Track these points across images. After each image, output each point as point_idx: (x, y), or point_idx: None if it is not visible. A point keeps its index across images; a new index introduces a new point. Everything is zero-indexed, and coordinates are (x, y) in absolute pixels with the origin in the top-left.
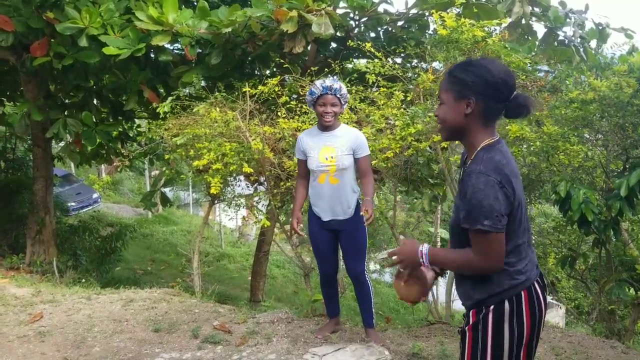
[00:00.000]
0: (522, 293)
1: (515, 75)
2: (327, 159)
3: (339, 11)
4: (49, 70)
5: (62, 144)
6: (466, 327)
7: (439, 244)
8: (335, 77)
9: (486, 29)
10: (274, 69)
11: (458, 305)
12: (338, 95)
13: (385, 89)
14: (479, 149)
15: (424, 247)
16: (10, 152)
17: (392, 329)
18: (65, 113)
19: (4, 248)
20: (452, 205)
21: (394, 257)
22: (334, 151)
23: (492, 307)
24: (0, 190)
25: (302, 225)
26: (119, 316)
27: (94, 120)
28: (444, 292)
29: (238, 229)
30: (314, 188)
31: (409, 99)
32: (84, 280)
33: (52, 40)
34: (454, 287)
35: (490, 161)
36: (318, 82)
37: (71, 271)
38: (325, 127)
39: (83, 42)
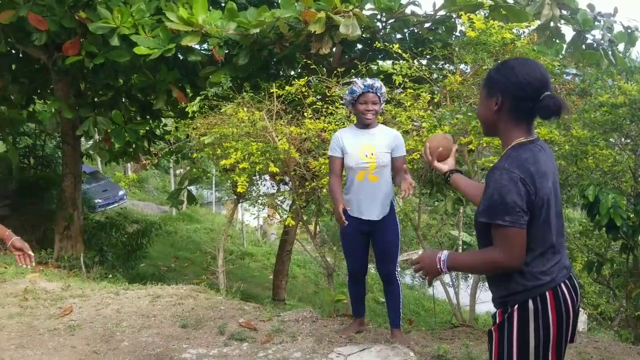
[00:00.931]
0: (547, 293)
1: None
2: (367, 155)
3: (366, 12)
4: (80, 69)
5: (90, 141)
6: (492, 328)
7: (460, 247)
8: (365, 77)
9: (515, 31)
10: (299, 70)
11: (481, 309)
12: (379, 94)
13: (412, 91)
14: (509, 147)
15: (443, 254)
16: (40, 149)
17: (415, 330)
18: (95, 111)
19: (33, 243)
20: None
21: (414, 265)
22: (373, 148)
23: (516, 306)
24: (30, 187)
25: (349, 208)
26: (146, 311)
27: (123, 118)
28: (467, 296)
29: (260, 228)
30: (351, 186)
31: (436, 100)
32: (110, 276)
33: (83, 39)
34: (477, 290)
35: (516, 159)
36: (359, 81)
37: (98, 267)
38: (365, 125)
39: (115, 41)
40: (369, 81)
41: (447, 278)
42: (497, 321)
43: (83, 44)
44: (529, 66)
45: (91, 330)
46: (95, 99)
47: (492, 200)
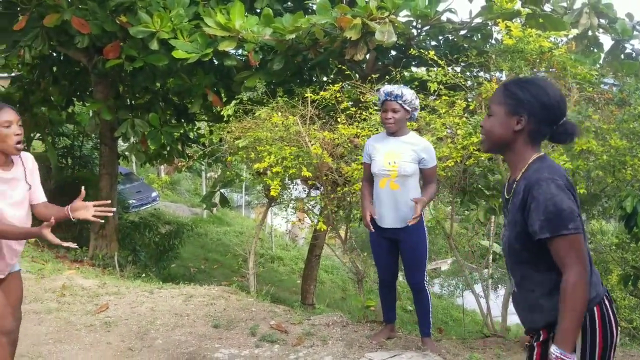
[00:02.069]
0: (595, 309)
1: (582, 88)
2: (390, 163)
3: (401, 19)
4: (119, 72)
5: (127, 143)
6: (535, 343)
7: (490, 257)
8: (400, 84)
9: (552, 39)
10: (332, 76)
11: (513, 320)
12: (400, 102)
13: (447, 98)
14: (530, 161)
15: (556, 351)
16: (78, 150)
17: (446, 339)
18: (132, 114)
19: (69, 241)
20: (506, 223)
21: None
22: (398, 157)
23: (595, 307)
24: (67, 186)
25: (376, 216)
26: (179, 311)
27: (159, 121)
28: (497, 306)
29: (289, 232)
30: (375, 192)
31: (471, 107)
32: (144, 275)
33: (123, 43)
34: (509, 300)
35: (552, 168)
36: (382, 89)
37: (131, 266)
38: (393, 133)
39: (154, 45)
40: (389, 88)
41: (478, 288)
42: (542, 338)
43: (123, 48)
44: (556, 88)
45: (126, 327)
46: (133, 102)
47: (549, 213)
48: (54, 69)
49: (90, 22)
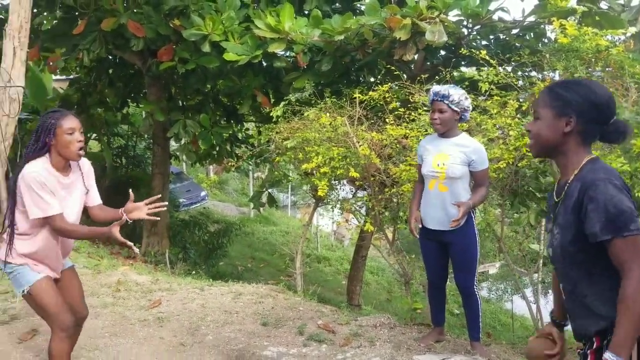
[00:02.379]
0: None
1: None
2: (439, 165)
3: (451, 18)
4: (171, 74)
5: (179, 143)
6: (588, 350)
7: (541, 261)
8: (450, 84)
9: (609, 37)
10: (380, 76)
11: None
12: (447, 102)
13: (498, 98)
14: (583, 162)
15: (608, 356)
16: (131, 150)
17: (495, 344)
18: (184, 115)
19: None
20: (556, 227)
21: None
22: (447, 158)
23: None
24: (121, 185)
25: (419, 224)
26: (229, 308)
27: (209, 122)
28: (548, 311)
29: (334, 232)
30: (424, 193)
31: (523, 108)
32: (194, 272)
33: (176, 46)
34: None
35: (606, 169)
36: (431, 89)
37: (181, 263)
38: (442, 134)
39: (206, 47)
40: (437, 89)
41: (528, 292)
42: (595, 345)
43: (176, 51)
44: (604, 88)
45: (178, 323)
46: (184, 103)
47: (609, 214)
48: (110, 71)
49: (145, 25)
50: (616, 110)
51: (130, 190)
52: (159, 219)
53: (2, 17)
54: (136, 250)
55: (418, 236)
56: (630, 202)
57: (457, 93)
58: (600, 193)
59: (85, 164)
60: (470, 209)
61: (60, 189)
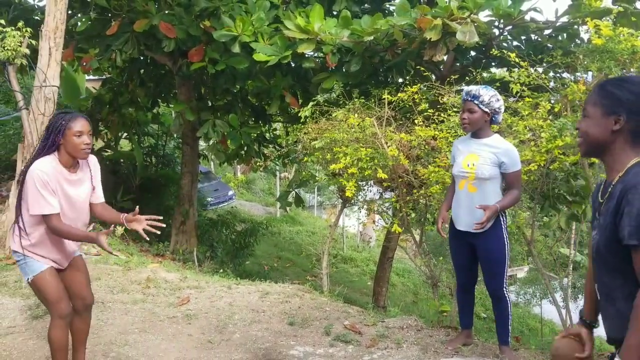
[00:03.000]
0: None
1: None
2: (468, 165)
3: (483, 19)
4: (201, 75)
5: (208, 143)
6: (617, 355)
7: (571, 265)
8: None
9: None
10: (409, 77)
11: (596, 331)
12: (476, 102)
13: (530, 99)
14: (629, 165)
15: None
16: (161, 149)
17: (524, 349)
18: (213, 115)
19: (152, 236)
20: (595, 227)
21: None
22: (477, 159)
23: None
24: (151, 183)
25: (446, 225)
26: (256, 307)
27: (238, 122)
28: (578, 317)
29: (360, 233)
30: (455, 194)
31: (556, 110)
32: (221, 271)
33: (206, 47)
34: None
35: None
36: (464, 89)
37: (209, 261)
38: (473, 134)
39: (236, 48)
40: (468, 88)
41: (558, 297)
42: None
43: (206, 51)
44: None
45: (206, 321)
46: (214, 103)
47: None
48: (141, 71)
49: (176, 26)
50: None
51: (138, 207)
52: (147, 239)
53: (38, 18)
54: (117, 254)
55: (446, 236)
56: None
57: (487, 94)
58: (637, 197)
59: (93, 161)
60: (496, 213)
61: (67, 185)
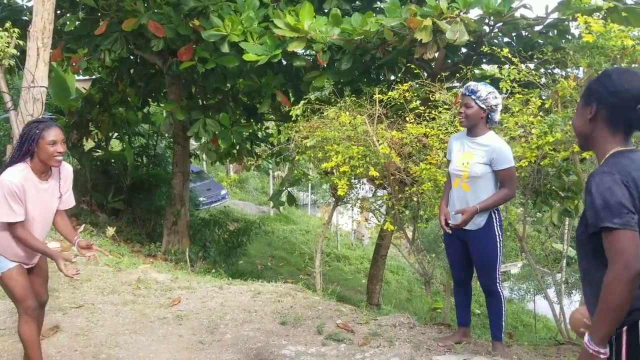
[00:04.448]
0: (623, 333)
1: None
2: (463, 164)
3: (472, 16)
4: (191, 74)
5: (199, 142)
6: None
7: (564, 261)
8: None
9: (635, 33)
10: (400, 75)
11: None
12: (474, 97)
13: (520, 96)
14: (607, 156)
15: (585, 338)
16: (152, 149)
17: (517, 345)
18: (204, 114)
19: (143, 236)
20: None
21: None
22: (472, 158)
23: (625, 328)
24: (142, 183)
25: (449, 220)
26: (248, 306)
27: (229, 121)
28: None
29: (354, 231)
30: (450, 192)
31: (546, 106)
32: (214, 271)
33: (196, 46)
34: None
35: (616, 164)
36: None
37: (201, 261)
38: (470, 132)
39: (225, 48)
40: (468, 84)
41: (551, 293)
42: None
43: (196, 50)
44: (629, 75)
45: (197, 321)
46: (205, 102)
47: (597, 205)
48: (131, 71)
49: (165, 26)
50: None
51: (84, 225)
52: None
53: (27, 19)
54: (76, 277)
55: (449, 230)
56: (627, 197)
57: (485, 90)
58: (594, 185)
59: (66, 169)
60: (473, 214)
61: (36, 192)
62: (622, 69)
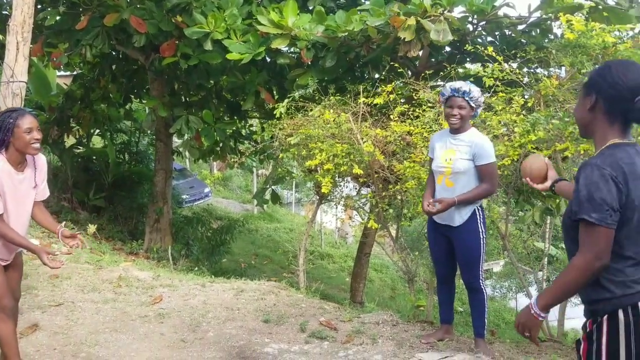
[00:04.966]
0: (604, 322)
1: None
2: (446, 160)
3: (456, 15)
4: (174, 70)
5: (182, 139)
6: (582, 337)
7: (545, 259)
8: (456, 80)
9: (617, 33)
10: (384, 73)
11: (570, 325)
12: (467, 98)
13: (503, 94)
14: (604, 147)
15: (532, 299)
16: (134, 146)
17: (499, 342)
18: (187, 111)
19: (125, 234)
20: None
21: (518, 329)
22: (454, 154)
23: (605, 316)
24: (124, 181)
25: (433, 208)
26: (230, 304)
27: (213, 118)
28: (553, 310)
29: (339, 230)
30: (435, 189)
31: (529, 104)
32: (196, 269)
33: (179, 41)
34: (567, 305)
35: (610, 157)
36: (448, 84)
37: (184, 259)
38: (454, 130)
39: (208, 45)
40: (456, 84)
41: (533, 290)
42: (587, 330)
43: (178, 46)
44: (627, 67)
45: (179, 319)
46: (187, 99)
47: (581, 197)
48: (113, 67)
49: (148, 21)
50: None
51: (64, 223)
52: (71, 253)
53: (7, 13)
54: (60, 263)
55: (435, 210)
56: (612, 195)
57: (476, 89)
58: (582, 176)
59: (40, 159)
60: (450, 205)
61: (12, 184)
62: (622, 60)
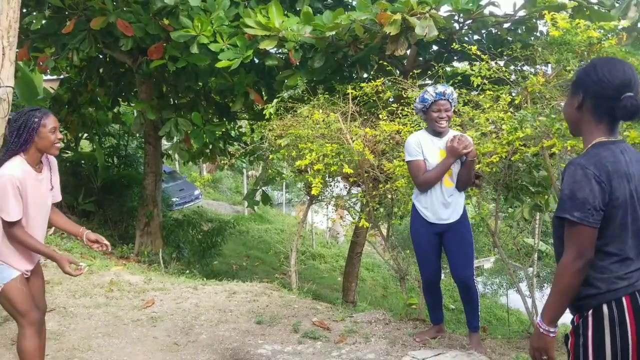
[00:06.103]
0: (624, 299)
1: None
2: None
3: (443, 14)
4: (162, 73)
5: (171, 142)
6: (569, 332)
7: (535, 255)
8: (442, 81)
9: (601, 30)
10: (372, 72)
11: (560, 321)
12: (450, 100)
13: (491, 92)
14: (590, 145)
15: (537, 319)
16: (123, 149)
17: (490, 338)
18: (175, 113)
19: (115, 238)
20: None
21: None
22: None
23: (590, 311)
24: (113, 184)
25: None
26: (223, 306)
27: (202, 120)
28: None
29: (330, 230)
30: (431, 190)
31: (516, 102)
32: (188, 272)
33: (166, 44)
34: None
35: (594, 156)
36: (430, 89)
37: (175, 262)
38: (437, 133)
39: (194, 49)
40: (440, 88)
41: (523, 286)
42: (575, 324)
43: (166, 49)
44: (613, 64)
45: (171, 323)
46: (176, 101)
47: (564, 195)
48: (100, 70)
49: (134, 24)
50: (630, 87)
51: (54, 228)
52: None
53: None
54: (81, 272)
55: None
56: (594, 194)
57: (454, 91)
58: (567, 175)
59: (53, 160)
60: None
61: (35, 185)
62: (607, 58)
